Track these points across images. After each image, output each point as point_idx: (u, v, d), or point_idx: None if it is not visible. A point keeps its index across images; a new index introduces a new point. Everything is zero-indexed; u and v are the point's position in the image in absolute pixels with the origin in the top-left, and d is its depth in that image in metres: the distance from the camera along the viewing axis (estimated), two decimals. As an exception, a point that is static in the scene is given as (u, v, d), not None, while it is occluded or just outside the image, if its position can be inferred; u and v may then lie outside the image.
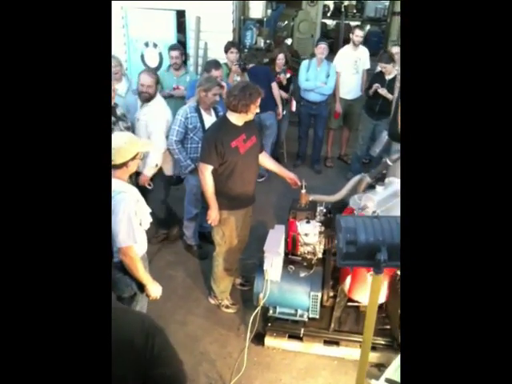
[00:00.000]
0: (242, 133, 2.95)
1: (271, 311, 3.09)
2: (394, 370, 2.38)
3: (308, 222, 3.13)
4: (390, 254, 1.29)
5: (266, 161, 3.30)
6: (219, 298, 3.41)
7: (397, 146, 2.77)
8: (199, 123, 3.57)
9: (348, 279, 2.89)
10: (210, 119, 3.56)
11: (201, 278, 3.75)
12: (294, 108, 5.61)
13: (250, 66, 4.97)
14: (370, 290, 1.37)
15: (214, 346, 3.12)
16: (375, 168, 2.92)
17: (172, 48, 4.72)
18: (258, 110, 2.94)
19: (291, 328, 3.10)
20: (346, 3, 14.40)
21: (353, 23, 12.39)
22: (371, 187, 2.84)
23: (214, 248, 3.29)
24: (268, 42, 7.64)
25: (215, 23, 5.50)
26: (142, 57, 6.05)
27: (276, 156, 5.86)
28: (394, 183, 2.81)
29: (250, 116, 2.91)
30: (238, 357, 2.97)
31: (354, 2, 14.34)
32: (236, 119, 2.92)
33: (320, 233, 3.12)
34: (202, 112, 3.60)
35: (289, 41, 9.73)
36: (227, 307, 3.40)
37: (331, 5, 14.33)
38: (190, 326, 3.28)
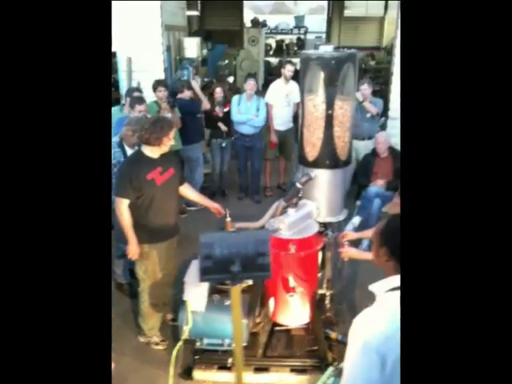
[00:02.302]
0: (158, 165, 2.97)
1: (198, 343, 3.03)
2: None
3: (233, 250, 3.14)
4: (245, 266, 1.33)
5: (187, 192, 3.32)
6: (148, 336, 3.31)
7: (305, 170, 2.88)
8: (123, 158, 3.58)
9: (271, 302, 2.90)
10: (134, 154, 3.57)
11: (131, 317, 3.64)
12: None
13: (178, 96, 5.12)
14: (231, 302, 1.40)
15: (141, 385, 3.01)
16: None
17: None
18: (172, 142, 2.99)
19: (220, 359, 3.03)
20: (287, 41, 15.14)
21: (295, 60, 12.97)
22: (288, 210, 2.91)
23: (138, 284, 3.23)
24: (206, 80, 7.87)
25: (146, 63, 5.63)
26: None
27: (222, 189, 5.95)
28: (307, 205, 2.91)
29: (164, 148, 2.95)
30: (167, 395, 2.87)
31: (294, 40, 15.09)
32: (150, 152, 2.95)
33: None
34: (126, 147, 3.62)
35: (231, 78, 10.09)
36: (157, 344, 3.30)
37: (273, 44, 15.03)
38: (117, 365, 3.14)
